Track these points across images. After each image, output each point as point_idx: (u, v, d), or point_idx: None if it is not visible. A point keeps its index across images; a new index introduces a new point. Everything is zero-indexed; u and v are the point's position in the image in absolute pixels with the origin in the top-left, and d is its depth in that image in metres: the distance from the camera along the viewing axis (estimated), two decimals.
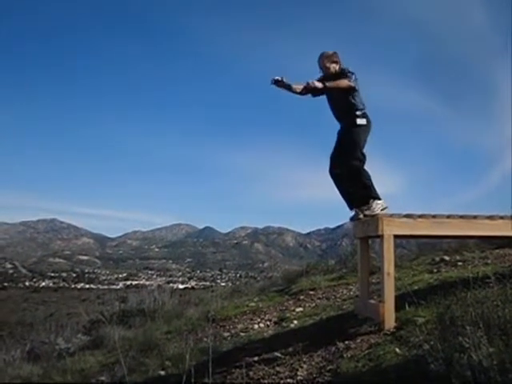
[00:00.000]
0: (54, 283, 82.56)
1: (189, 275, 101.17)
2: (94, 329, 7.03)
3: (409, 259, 7.19)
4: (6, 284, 74.29)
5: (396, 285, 3.64)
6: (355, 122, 3.94)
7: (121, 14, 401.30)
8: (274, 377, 3.06)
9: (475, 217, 3.61)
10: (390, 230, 3.45)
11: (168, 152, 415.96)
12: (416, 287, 4.45)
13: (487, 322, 2.22)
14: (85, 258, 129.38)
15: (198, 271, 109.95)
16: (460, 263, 5.59)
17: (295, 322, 4.73)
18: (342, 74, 3.99)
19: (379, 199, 3.94)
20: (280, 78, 3.89)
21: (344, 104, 3.99)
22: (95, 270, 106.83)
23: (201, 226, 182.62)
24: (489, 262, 5.33)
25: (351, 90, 3.93)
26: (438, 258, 6.21)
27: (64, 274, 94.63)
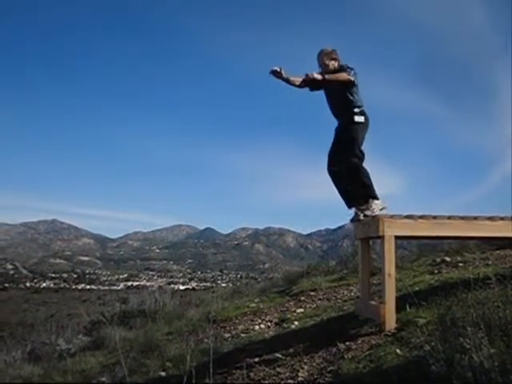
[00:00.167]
0: (54, 284, 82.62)
1: (189, 276, 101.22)
2: (95, 330, 7.03)
3: (410, 260, 7.18)
4: (6, 285, 74.36)
5: (397, 286, 3.64)
6: (353, 119, 3.91)
7: (121, 14, 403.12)
8: (274, 378, 3.05)
9: (476, 218, 3.61)
10: (390, 230, 3.45)
11: (168, 152, 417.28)
12: (417, 288, 4.45)
13: (488, 323, 2.21)
14: (85, 258, 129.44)
15: (199, 272, 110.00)
16: (461, 264, 5.59)
17: (296, 322, 4.73)
18: (341, 69, 3.98)
19: (377, 199, 3.92)
20: (278, 69, 3.88)
21: (342, 100, 3.96)
22: (96, 271, 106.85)
23: (201, 227, 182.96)
24: (489, 262, 5.33)
25: (350, 85, 3.91)
26: (438, 259, 6.21)
27: (65, 275, 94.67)
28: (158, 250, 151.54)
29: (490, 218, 3.60)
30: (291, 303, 5.96)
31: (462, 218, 3.60)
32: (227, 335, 4.91)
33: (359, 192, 3.93)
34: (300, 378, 2.93)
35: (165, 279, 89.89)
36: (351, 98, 3.93)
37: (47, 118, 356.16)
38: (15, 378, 4.94)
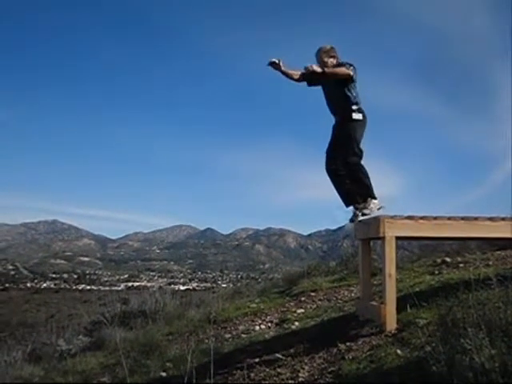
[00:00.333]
0: (55, 284, 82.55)
1: (190, 276, 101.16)
2: (96, 330, 7.03)
3: (410, 261, 7.18)
4: (7, 285, 74.26)
5: (397, 286, 3.64)
6: (351, 117, 3.87)
7: (121, 15, 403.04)
8: (275, 378, 3.05)
9: (476, 218, 3.61)
10: (391, 231, 3.45)
11: (169, 153, 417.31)
12: (417, 289, 4.45)
13: (489, 324, 2.21)
14: (86, 259, 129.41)
15: (199, 272, 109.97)
16: (461, 265, 5.58)
17: (296, 323, 4.73)
18: (341, 65, 3.96)
19: (375, 198, 3.90)
20: (277, 61, 3.88)
21: (340, 96, 3.93)
22: (96, 272, 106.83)
23: (202, 228, 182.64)
24: (490, 263, 5.32)
25: (349, 81, 3.89)
26: (439, 260, 6.20)
27: (65, 275, 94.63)
28: (158, 251, 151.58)
29: (491, 219, 3.60)
30: (292, 304, 5.96)
31: (463, 218, 3.60)
32: (228, 336, 4.91)
33: (358, 191, 3.90)
34: (300, 379, 2.93)
35: (165, 280, 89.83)
36: (349, 94, 3.90)
37: (47, 118, 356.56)
38: (16, 378, 4.95)
